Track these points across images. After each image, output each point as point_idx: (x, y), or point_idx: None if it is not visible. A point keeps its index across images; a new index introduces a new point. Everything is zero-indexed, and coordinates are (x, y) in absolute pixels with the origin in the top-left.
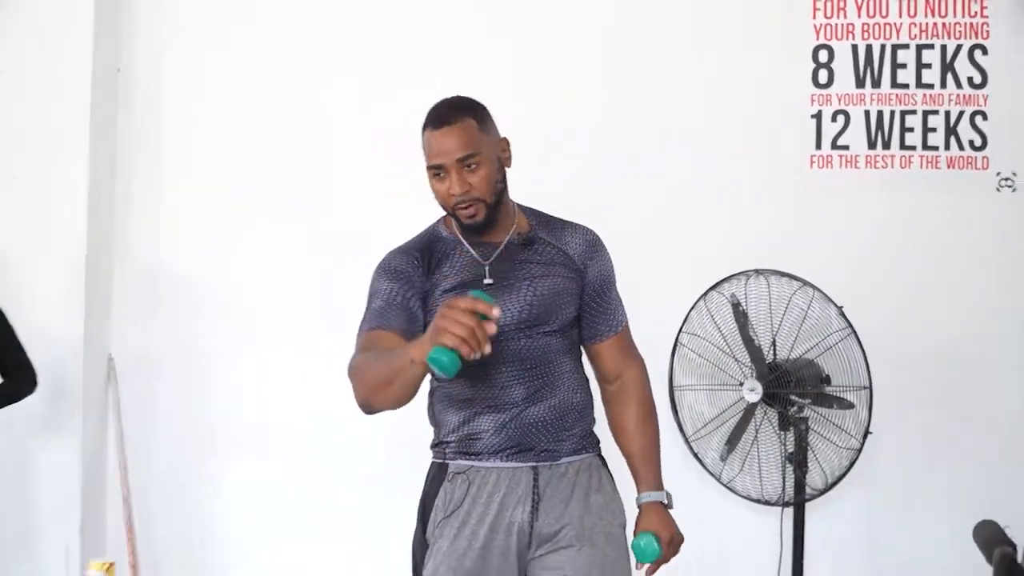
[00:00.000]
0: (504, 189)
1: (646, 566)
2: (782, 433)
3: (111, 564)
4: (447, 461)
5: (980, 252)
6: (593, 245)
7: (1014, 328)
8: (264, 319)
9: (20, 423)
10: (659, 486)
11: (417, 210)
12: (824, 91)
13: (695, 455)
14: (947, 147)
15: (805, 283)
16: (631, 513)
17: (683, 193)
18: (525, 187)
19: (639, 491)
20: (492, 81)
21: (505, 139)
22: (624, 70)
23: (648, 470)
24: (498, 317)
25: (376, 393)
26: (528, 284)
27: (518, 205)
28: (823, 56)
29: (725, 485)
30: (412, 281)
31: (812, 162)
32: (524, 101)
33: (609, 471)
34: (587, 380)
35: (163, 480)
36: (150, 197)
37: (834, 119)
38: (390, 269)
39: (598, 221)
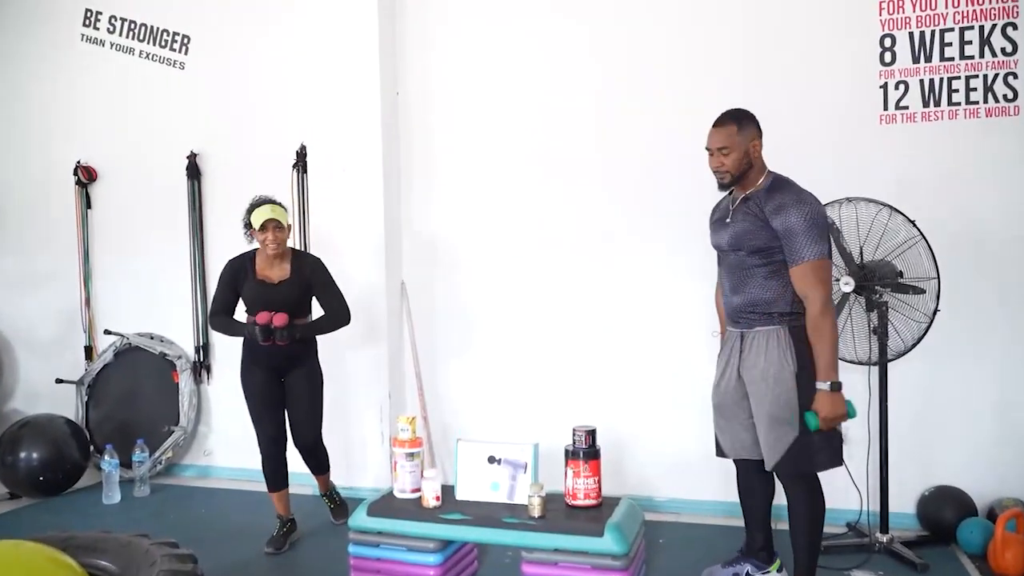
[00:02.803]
0: (749, 167)
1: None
2: (869, 314)
3: (412, 418)
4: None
5: (1010, 175)
6: (780, 207)
7: None
8: (493, 266)
9: (358, 324)
10: (823, 378)
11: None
12: (888, 68)
13: None
14: (985, 101)
15: (885, 205)
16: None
17: (791, 143)
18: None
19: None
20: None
21: (757, 140)
22: (752, 65)
23: (817, 367)
24: None
25: None
26: (734, 224)
27: (771, 173)
28: (887, 42)
29: None
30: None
31: (880, 120)
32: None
33: (793, 331)
34: (783, 286)
35: (440, 363)
36: (424, 185)
37: (896, 88)
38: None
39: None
